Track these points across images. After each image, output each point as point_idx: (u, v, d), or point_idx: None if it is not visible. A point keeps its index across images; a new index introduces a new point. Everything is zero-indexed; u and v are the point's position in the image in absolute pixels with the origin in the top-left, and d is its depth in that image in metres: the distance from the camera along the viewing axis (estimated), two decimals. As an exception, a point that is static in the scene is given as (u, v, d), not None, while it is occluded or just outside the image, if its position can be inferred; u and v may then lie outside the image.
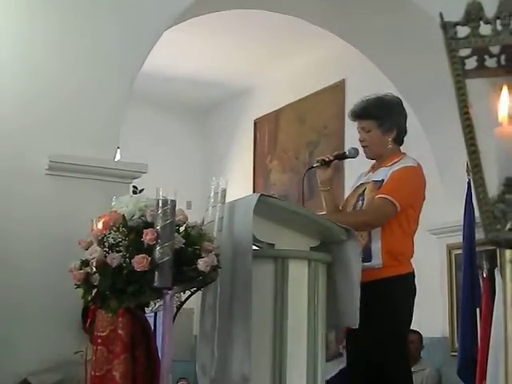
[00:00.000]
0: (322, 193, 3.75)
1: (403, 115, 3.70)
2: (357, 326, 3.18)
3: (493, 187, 1.21)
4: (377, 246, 3.46)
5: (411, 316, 3.53)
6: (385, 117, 3.58)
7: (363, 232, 3.48)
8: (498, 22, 1.17)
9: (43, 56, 4.28)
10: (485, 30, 1.19)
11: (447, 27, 1.16)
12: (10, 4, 4.26)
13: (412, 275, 3.55)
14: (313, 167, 3.79)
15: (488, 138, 1.23)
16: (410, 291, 3.54)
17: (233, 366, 2.93)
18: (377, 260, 3.45)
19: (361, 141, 3.64)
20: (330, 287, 3.23)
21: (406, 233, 3.52)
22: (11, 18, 4.26)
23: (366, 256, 3.43)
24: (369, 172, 3.68)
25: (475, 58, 1.20)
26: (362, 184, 3.67)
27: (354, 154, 3.71)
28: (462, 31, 1.19)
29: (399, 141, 3.66)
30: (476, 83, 1.22)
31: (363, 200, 3.57)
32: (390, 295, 3.44)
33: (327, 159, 3.69)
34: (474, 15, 1.17)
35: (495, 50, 1.20)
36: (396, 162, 3.56)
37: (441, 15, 1.15)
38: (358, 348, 3.49)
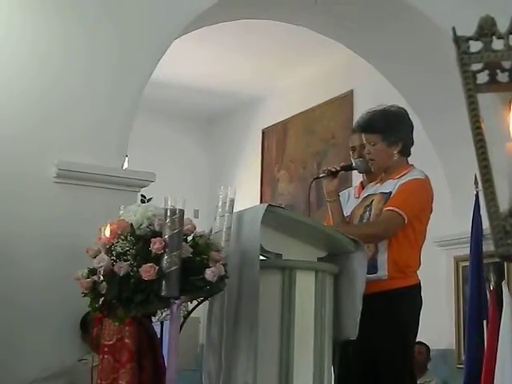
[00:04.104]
0: (328, 203, 3.75)
1: (409, 127, 3.66)
2: (355, 338, 3.17)
3: (504, 202, 1.21)
4: (383, 258, 3.45)
5: (417, 328, 3.52)
6: (389, 130, 3.56)
7: (370, 243, 3.47)
8: (511, 37, 1.17)
9: (52, 63, 4.29)
10: (497, 44, 1.19)
11: (460, 42, 1.16)
12: (14, 5, 4.27)
13: (418, 287, 3.54)
14: (319, 177, 3.79)
15: (499, 153, 1.22)
16: (416, 303, 3.53)
17: (237, 375, 2.92)
18: (382, 271, 3.45)
19: (366, 153, 3.63)
20: (334, 298, 3.22)
21: (412, 245, 3.51)
22: (16, 21, 4.27)
23: (372, 267, 3.42)
24: (376, 183, 3.68)
25: (487, 72, 1.20)
26: (369, 195, 3.66)
27: (361, 165, 3.72)
28: (475, 46, 1.19)
29: (406, 152, 3.64)
30: (487, 98, 1.22)
31: (370, 211, 3.56)
32: (396, 307, 3.43)
33: (334, 170, 3.69)
34: (486, 30, 1.17)
35: (507, 64, 1.20)
36: (404, 175, 3.55)
37: (453, 30, 1.15)
38: (363, 359, 3.47)
